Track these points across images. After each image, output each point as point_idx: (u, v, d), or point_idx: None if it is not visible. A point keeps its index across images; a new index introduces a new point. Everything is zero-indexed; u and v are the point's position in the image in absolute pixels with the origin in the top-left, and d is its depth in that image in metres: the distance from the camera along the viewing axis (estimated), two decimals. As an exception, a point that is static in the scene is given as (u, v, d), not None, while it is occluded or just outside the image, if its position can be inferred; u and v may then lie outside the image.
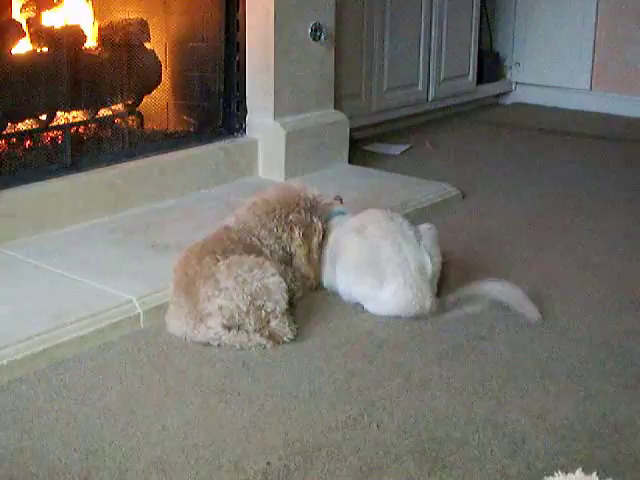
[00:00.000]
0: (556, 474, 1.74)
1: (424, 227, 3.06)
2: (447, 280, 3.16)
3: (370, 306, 2.98)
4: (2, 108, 3.44)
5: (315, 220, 3.07)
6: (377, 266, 2.94)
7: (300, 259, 3.04)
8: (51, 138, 3.66)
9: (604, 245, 3.67)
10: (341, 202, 3.32)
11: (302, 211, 3.05)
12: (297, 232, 3.02)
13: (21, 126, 3.61)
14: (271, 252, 2.98)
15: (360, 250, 2.99)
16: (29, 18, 3.60)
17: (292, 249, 3.03)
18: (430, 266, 2.94)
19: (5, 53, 3.47)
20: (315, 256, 3.07)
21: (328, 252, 3.10)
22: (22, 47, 3.56)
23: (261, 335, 2.71)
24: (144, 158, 3.85)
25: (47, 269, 3.09)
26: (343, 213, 3.21)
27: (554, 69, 6.36)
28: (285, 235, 3.01)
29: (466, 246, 3.58)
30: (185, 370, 2.58)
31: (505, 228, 3.86)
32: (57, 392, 2.44)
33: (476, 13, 6.03)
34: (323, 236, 3.11)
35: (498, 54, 6.51)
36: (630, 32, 6.07)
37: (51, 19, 3.67)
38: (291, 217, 3.03)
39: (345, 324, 2.90)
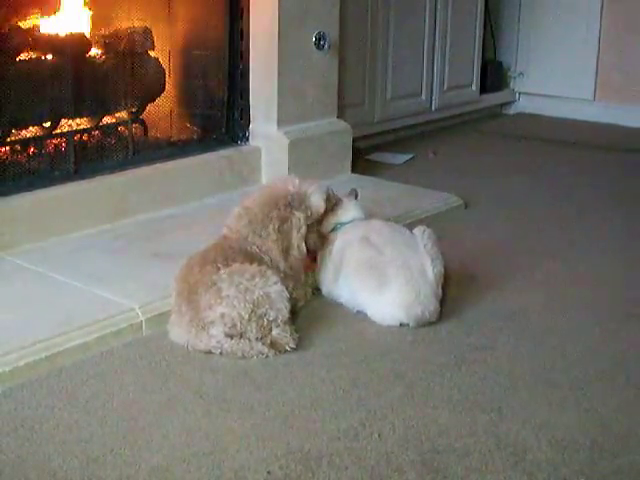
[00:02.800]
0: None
1: (419, 230, 3.03)
2: (449, 289, 3.16)
3: (372, 311, 2.98)
4: (6, 115, 3.44)
5: (296, 213, 3.02)
6: (379, 269, 2.94)
7: (275, 255, 2.96)
8: (55, 145, 3.66)
9: (607, 255, 3.67)
10: (356, 197, 3.32)
11: (281, 207, 3.01)
12: (271, 227, 2.98)
13: (25, 133, 3.61)
14: (271, 260, 2.97)
15: (362, 255, 3.00)
16: (33, 25, 3.60)
17: (267, 246, 2.97)
18: (431, 270, 2.93)
19: (10, 61, 3.47)
20: (296, 252, 3.01)
21: (331, 261, 3.11)
22: (26, 55, 3.56)
23: (263, 343, 2.71)
24: (147, 166, 3.85)
25: (49, 276, 3.09)
26: (349, 222, 3.21)
27: (558, 79, 6.36)
28: (264, 233, 2.99)
29: (468, 256, 3.57)
30: (187, 378, 2.58)
31: (508, 238, 3.86)
32: (59, 399, 2.44)
33: (480, 23, 6.04)
34: (319, 236, 3.11)
35: (502, 64, 6.52)
36: (634, 43, 6.07)
37: (55, 27, 3.67)
38: (270, 215, 3.01)
39: (347, 333, 2.90)
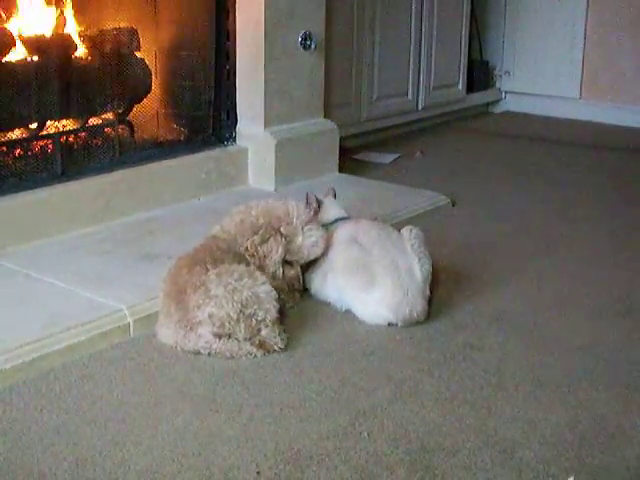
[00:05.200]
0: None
1: (407, 229, 3.04)
2: (437, 288, 3.17)
3: (360, 311, 2.98)
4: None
5: (278, 239, 2.99)
6: (366, 268, 2.94)
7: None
8: (41, 147, 3.65)
9: (594, 253, 3.68)
10: (334, 196, 3.32)
11: (268, 227, 2.99)
12: (249, 242, 2.96)
13: (11, 135, 3.60)
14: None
15: (350, 255, 2.99)
16: (19, 26, 3.59)
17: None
18: (419, 270, 2.93)
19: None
20: (270, 276, 2.96)
21: (319, 261, 3.10)
22: (12, 55, 3.55)
23: (251, 344, 2.71)
24: (134, 167, 3.84)
25: (37, 278, 3.08)
26: (342, 218, 3.22)
27: (544, 78, 6.39)
28: (249, 244, 2.98)
29: (456, 254, 3.58)
30: (175, 379, 2.58)
31: (495, 236, 3.86)
32: (47, 401, 2.43)
33: (466, 22, 6.06)
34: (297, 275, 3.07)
35: (488, 63, 6.53)
36: (619, 41, 6.10)
37: (41, 28, 3.66)
38: (254, 229, 2.99)
39: (335, 333, 2.90)
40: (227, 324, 2.69)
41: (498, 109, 6.63)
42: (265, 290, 2.76)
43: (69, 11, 3.78)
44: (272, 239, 2.98)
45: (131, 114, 4.04)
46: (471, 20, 6.15)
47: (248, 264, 2.87)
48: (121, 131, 3.94)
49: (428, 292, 2.99)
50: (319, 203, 3.24)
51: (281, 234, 3.00)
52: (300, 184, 4.20)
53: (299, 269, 3.07)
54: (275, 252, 2.98)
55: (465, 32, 6.07)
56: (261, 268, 2.94)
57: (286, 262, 3.03)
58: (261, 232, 2.97)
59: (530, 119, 6.36)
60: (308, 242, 3.03)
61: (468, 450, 2.23)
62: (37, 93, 3.55)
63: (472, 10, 6.15)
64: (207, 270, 2.77)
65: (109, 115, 3.96)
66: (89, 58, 3.81)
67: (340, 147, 4.62)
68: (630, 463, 2.19)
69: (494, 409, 2.43)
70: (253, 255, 2.95)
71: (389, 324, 2.93)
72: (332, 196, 3.32)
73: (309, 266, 3.12)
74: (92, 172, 3.71)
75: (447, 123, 6.07)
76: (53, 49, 3.61)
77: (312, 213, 3.20)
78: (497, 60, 6.58)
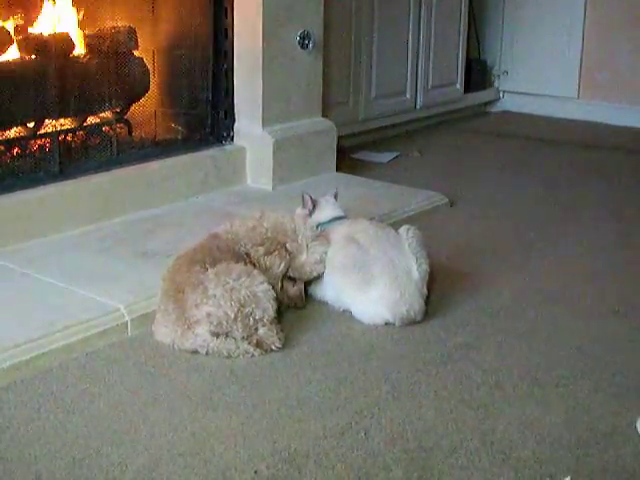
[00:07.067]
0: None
1: (404, 229, 3.04)
2: (434, 288, 3.17)
3: (357, 310, 2.98)
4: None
5: (281, 254, 2.99)
6: (364, 267, 2.94)
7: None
8: (39, 146, 3.65)
9: (591, 253, 3.68)
10: (335, 197, 3.31)
11: (273, 241, 3.00)
12: (254, 250, 2.97)
13: (9, 133, 3.60)
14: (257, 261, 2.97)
15: (347, 254, 2.99)
16: (17, 25, 3.59)
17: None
18: (416, 269, 2.93)
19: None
20: (276, 287, 2.96)
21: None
22: (10, 54, 3.55)
23: (249, 343, 2.71)
24: (132, 166, 3.85)
25: (35, 277, 3.08)
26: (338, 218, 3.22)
27: (542, 78, 6.38)
28: (252, 252, 2.99)
29: (454, 254, 3.58)
30: (173, 378, 2.58)
31: (493, 236, 3.86)
32: (44, 400, 2.43)
33: (464, 22, 6.05)
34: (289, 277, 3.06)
35: (486, 62, 6.53)
36: (617, 41, 6.10)
37: (39, 26, 3.66)
38: (263, 239, 3.00)
39: (333, 332, 2.90)
40: (225, 323, 2.69)
41: (496, 109, 6.62)
42: (263, 289, 2.76)
43: (67, 10, 3.77)
44: (277, 252, 2.98)
45: (129, 113, 4.04)
46: (469, 19, 6.15)
47: (246, 264, 2.87)
48: (119, 130, 3.94)
49: (425, 291, 2.98)
50: (314, 203, 3.24)
51: (286, 249, 3.01)
52: (298, 183, 4.20)
53: (302, 287, 3.07)
54: (277, 266, 2.98)
55: (463, 31, 6.06)
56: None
57: (290, 279, 3.03)
58: (266, 245, 2.98)
59: (528, 119, 6.35)
60: (311, 259, 3.03)
61: (465, 450, 2.23)
62: (35, 92, 3.55)
63: (470, 9, 6.14)
64: (206, 269, 2.77)
65: (107, 114, 3.96)
66: (87, 57, 3.81)
67: (338, 146, 4.62)
68: (627, 462, 2.19)
69: (491, 409, 2.43)
70: (255, 264, 2.95)
71: (386, 323, 2.93)
72: (331, 196, 3.32)
73: (312, 283, 3.12)
74: (90, 171, 3.71)
75: (445, 123, 6.07)
76: (51, 48, 3.61)
77: (307, 213, 3.21)
78: (495, 60, 6.58)
